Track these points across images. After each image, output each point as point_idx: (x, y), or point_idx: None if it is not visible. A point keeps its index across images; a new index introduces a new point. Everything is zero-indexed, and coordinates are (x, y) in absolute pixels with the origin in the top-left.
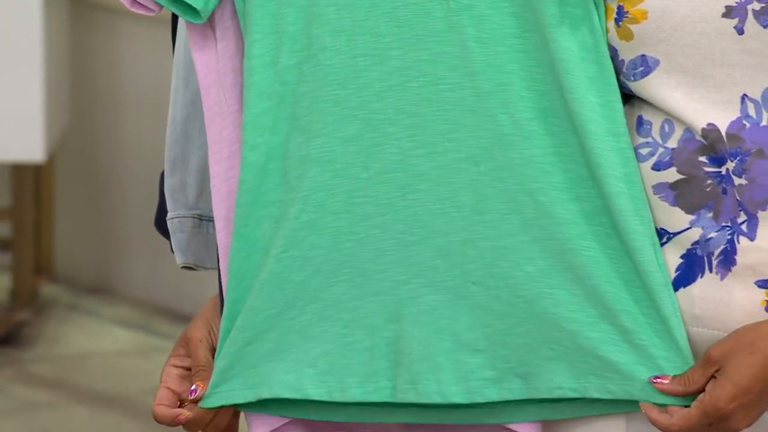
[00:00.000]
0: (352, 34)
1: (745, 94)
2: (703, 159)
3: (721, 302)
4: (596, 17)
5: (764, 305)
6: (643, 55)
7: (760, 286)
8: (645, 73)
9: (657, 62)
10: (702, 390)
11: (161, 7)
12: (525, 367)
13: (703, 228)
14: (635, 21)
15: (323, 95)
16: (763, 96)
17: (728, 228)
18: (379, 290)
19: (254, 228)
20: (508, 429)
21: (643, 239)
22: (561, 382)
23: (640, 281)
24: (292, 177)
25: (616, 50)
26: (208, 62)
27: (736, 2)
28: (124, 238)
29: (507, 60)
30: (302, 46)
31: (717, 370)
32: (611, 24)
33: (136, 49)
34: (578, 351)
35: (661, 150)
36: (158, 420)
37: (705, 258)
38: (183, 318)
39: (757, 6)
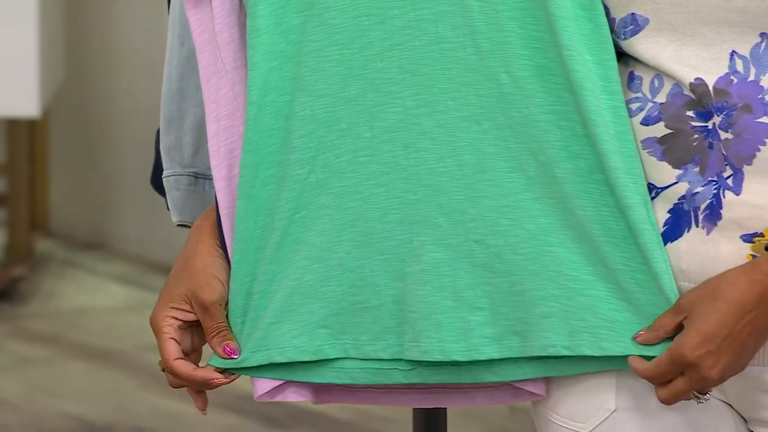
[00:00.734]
0: None
1: (734, 51)
2: (690, 113)
3: (707, 256)
4: None
5: (749, 259)
6: (633, 14)
7: (745, 240)
8: (635, 32)
9: (647, 21)
10: (672, 336)
11: None
12: (522, 324)
13: (689, 182)
14: None
15: (328, 55)
16: (751, 52)
17: (714, 182)
18: (383, 249)
19: (260, 189)
20: (512, 387)
21: (635, 197)
22: (554, 340)
23: (633, 239)
24: (295, 137)
25: (607, 8)
26: (202, 20)
27: None
28: (119, 193)
29: (506, 18)
30: (307, 5)
31: (685, 318)
32: None
33: (131, 3)
34: (575, 309)
35: (650, 105)
36: (177, 375)
37: (691, 212)
38: None
39: None
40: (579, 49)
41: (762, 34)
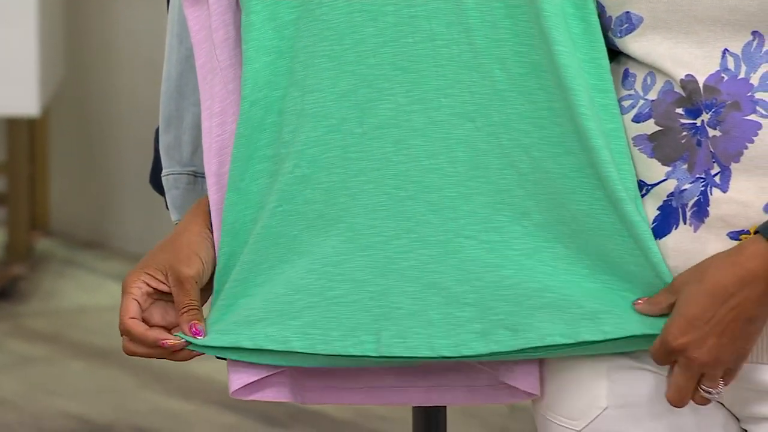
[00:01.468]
0: None
1: (726, 49)
2: (679, 111)
3: (694, 253)
4: None
5: None
6: (628, 12)
7: (732, 238)
8: (630, 30)
9: (641, 19)
10: (668, 312)
11: None
12: (514, 317)
13: (678, 180)
14: None
15: (319, 50)
16: (743, 50)
17: (702, 180)
18: (369, 245)
19: (250, 183)
20: (509, 387)
21: (627, 192)
22: (552, 330)
23: (627, 232)
24: (286, 132)
25: (603, 7)
26: (199, 18)
27: None
28: (119, 193)
29: (501, 16)
30: (300, 1)
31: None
32: None
33: (131, 3)
34: (573, 298)
35: (641, 102)
36: (128, 334)
37: (679, 209)
38: None
39: None
40: (570, 46)
41: (754, 33)
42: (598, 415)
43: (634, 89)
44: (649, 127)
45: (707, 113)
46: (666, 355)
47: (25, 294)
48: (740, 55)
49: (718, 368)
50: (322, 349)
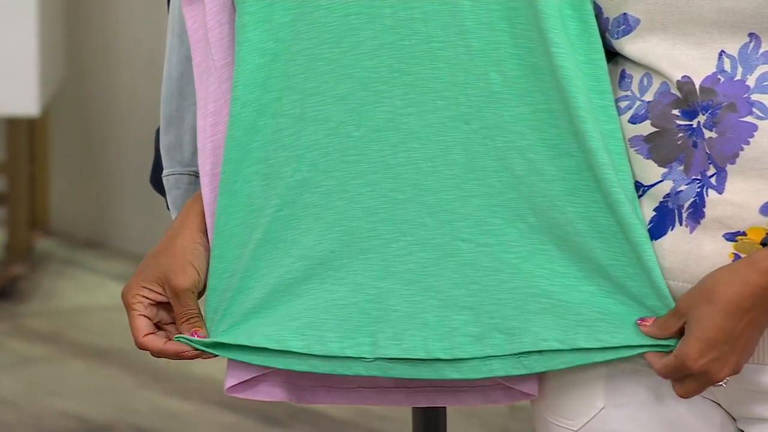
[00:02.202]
0: None
1: (722, 50)
2: (675, 112)
3: (690, 254)
4: None
5: (732, 258)
6: (625, 14)
7: (727, 239)
8: (627, 32)
9: (638, 21)
10: (679, 334)
11: None
12: (510, 321)
13: (674, 181)
14: None
15: (317, 53)
16: (740, 52)
17: (698, 181)
18: (367, 248)
19: (242, 185)
20: (505, 387)
21: (625, 193)
22: (547, 335)
23: (623, 234)
24: (284, 135)
25: (600, 8)
26: (196, 17)
27: None
28: (119, 192)
29: (498, 18)
30: (296, 3)
31: (686, 323)
32: None
33: (131, 2)
34: (569, 304)
35: (638, 103)
36: (148, 350)
37: (675, 211)
38: None
39: None
40: (568, 48)
41: (751, 35)
42: (595, 415)
43: (631, 90)
44: (646, 128)
45: (703, 115)
46: (685, 374)
47: (25, 294)
48: (737, 57)
49: (737, 373)
50: (319, 349)
